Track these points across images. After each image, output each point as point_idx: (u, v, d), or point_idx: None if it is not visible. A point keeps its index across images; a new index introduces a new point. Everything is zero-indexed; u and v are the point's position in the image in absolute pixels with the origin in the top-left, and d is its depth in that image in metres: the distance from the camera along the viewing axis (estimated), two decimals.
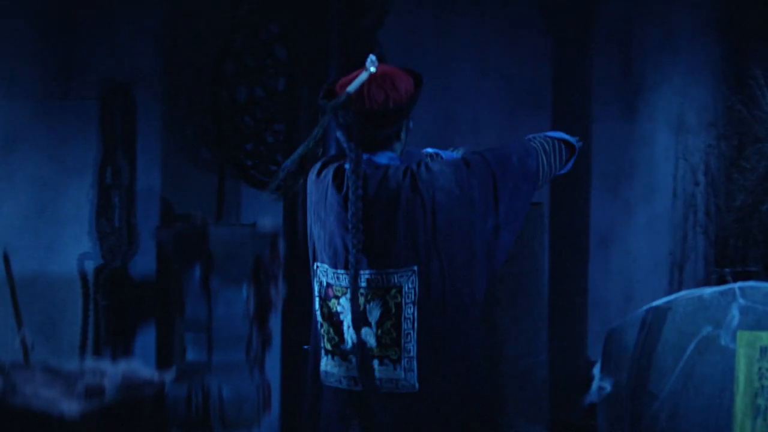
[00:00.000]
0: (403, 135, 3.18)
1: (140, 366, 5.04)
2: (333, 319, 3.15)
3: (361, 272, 3.06)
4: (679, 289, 6.87)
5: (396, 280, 3.06)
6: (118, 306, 5.55)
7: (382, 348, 3.07)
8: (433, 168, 3.08)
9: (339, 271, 3.13)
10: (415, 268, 3.05)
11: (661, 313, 4.34)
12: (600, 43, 7.10)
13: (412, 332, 3.05)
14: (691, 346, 4.24)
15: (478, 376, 3.15)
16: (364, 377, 3.08)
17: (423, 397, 3.06)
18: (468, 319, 3.10)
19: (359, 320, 3.07)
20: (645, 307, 4.42)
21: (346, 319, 3.12)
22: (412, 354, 3.06)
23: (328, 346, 3.17)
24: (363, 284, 3.07)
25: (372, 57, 3.12)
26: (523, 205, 3.17)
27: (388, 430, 3.09)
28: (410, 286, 3.05)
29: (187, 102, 5.81)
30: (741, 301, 4.22)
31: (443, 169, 3.07)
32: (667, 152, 7.66)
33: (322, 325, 3.19)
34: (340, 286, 3.13)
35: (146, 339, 5.65)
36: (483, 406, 3.16)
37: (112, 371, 4.88)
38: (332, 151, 4.78)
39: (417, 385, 3.06)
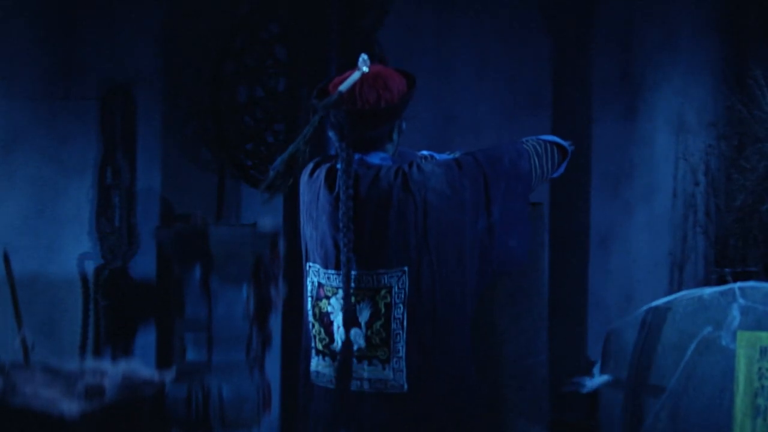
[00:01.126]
0: (395, 136, 3.18)
1: (140, 366, 5.04)
2: (324, 320, 3.16)
3: (351, 272, 3.06)
4: (679, 289, 6.87)
5: (386, 281, 3.06)
6: (118, 306, 5.55)
7: (372, 348, 3.08)
8: (425, 168, 3.08)
9: (330, 271, 3.14)
10: (406, 268, 3.05)
11: (661, 313, 4.33)
12: (600, 43, 7.09)
13: (401, 332, 3.05)
14: (692, 347, 4.24)
15: (469, 376, 3.15)
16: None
17: (412, 398, 3.06)
18: (458, 320, 3.10)
19: (350, 320, 3.07)
20: (645, 307, 4.42)
21: (336, 320, 3.13)
22: (401, 354, 3.06)
23: (319, 347, 3.18)
24: (352, 284, 3.07)
25: (364, 56, 3.12)
26: (521, 207, 3.17)
27: (378, 431, 3.09)
28: (400, 286, 3.05)
29: (187, 102, 5.81)
30: (741, 301, 4.22)
31: (435, 170, 3.07)
32: (667, 152, 7.65)
33: (313, 326, 3.19)
34: (331, 286, 3.14)
35: (146, 339, 5.65)
36: (476, 407, 3.16)
37: (112, 371, 4.87)
38: (331, 151, 4.78)
39: (406, 386, 3.06)
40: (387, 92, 3.10)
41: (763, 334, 4.16)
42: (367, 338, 3.08)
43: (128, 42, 5.61)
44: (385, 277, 3.06)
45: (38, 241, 5.40)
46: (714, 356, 4.22)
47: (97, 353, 5.47)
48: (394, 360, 3.06)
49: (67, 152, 5.49)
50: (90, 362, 5.14)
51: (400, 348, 3.06)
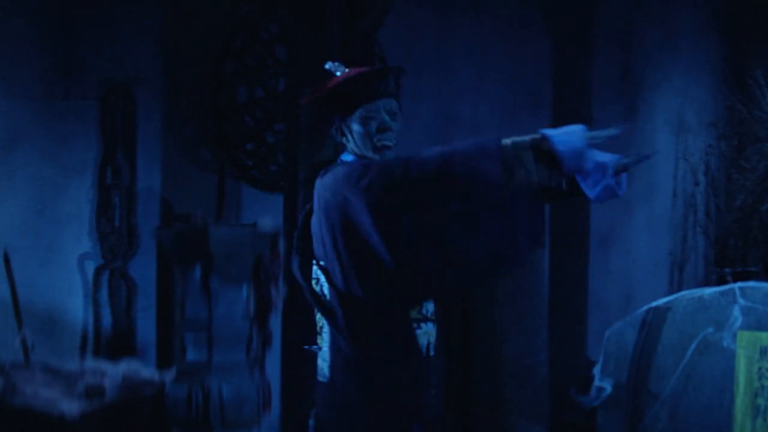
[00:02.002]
0: (342, 139, 3.18)
1: (140, 366, 5.04)
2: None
3: (298, 259, 3.23)
4: (679, 289, 6.87)
5: (315, 272, 3.16)
6: (118, 306, 5.55)
7: (316, 336, 3.20)
8: (333, 170, 3.10)
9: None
10: (323, 263, 3.12)
11: (661, 313, 4.33)
12: (600, 43, 7.09)
13: (324, 324, 3.16)
14: (692, 347, 4.24)
15: (383, 373, 3.12)
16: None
17: (333, 387, 3.15)
18: (382, 318, 3.09)
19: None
20: (645, 307, 4.41)
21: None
22: (326, 345, 3.16)
23: None
24: (297, 272, 3.23)
25: (329, 63, 3.22)
26: (479, 208, 3.01)
27: (320, 418, 3.20)
28: (322, 279, 3.14)
29: (187, 102, 5.81)
30: (741, 301, 4.21)
31: (335, 171, 3.08)
32: (667, 152, 7.65)
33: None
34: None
35: (146, 339, 5.65)
36: (393, 402, 3.12)
37: (112, 371, 4.88)
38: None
39: (328, 374, 3.15)
40: (318, 90, 3.20)
41: (763, 334, 4.16)
42: (313, 327, 3.20)
43: (128, 42, 5.61)
44: (316, 268, 3.16)
45: (38, 241, 5.40)
46: (714, 356, 4.22)
47: (97, 353, 5.47)
48: (324, 350, 3.16)
49: (67, 152, 5.49)
50: (90, 362, 5.14)
51: (326, 338, 3.15)
